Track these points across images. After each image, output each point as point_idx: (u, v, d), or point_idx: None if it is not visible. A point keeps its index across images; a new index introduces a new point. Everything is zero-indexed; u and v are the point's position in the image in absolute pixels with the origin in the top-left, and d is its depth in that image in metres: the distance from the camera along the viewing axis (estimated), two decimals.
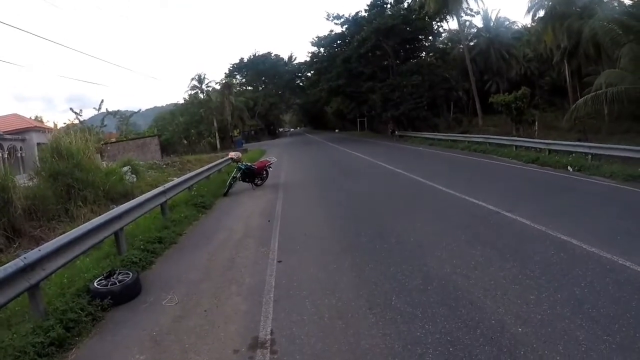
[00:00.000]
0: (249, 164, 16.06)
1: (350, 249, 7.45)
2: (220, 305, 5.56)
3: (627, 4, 22.16)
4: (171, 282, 6.51)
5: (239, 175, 15.21)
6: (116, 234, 7.69)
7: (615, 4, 31.69)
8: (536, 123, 27.97)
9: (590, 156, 15.72)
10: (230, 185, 15.00)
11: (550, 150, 18.39)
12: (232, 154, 17.84)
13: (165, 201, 10.76)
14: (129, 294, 5.96)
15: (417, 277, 5.82)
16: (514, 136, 24.60)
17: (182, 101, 62.42)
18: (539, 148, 19.34)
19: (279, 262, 7.03)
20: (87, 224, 6.87)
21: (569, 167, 15.19)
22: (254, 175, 15.51)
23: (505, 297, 4.98)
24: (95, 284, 5.92)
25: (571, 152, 17.04)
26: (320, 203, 12.38)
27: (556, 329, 4.20)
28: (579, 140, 20.05)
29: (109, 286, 5.87)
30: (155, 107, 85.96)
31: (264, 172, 15.99)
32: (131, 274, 6.26)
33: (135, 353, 4.53)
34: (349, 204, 11.68)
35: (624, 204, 9.94)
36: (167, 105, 74.55)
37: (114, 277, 6.11)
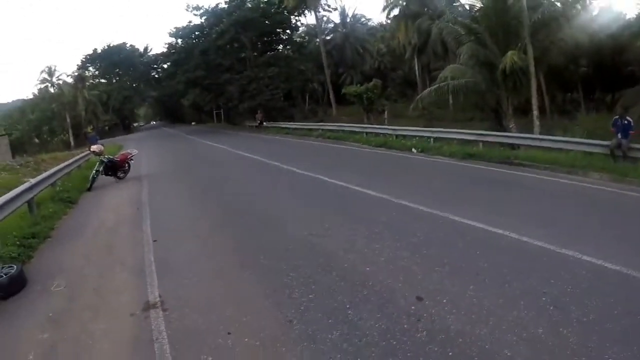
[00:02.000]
0: (111, 157, 15.32)
1: (219, 224, 8.28)
2: (108, 282, 5.87)
3: (472, 10, 25.08)
4: (55, 271, 6.46)
5: (101, 168, 14.49)
6: None
7: (461, 9, 35.41)
8: (386, 112, 30.54)
9: (432, 139, 17.83)
10: (94, 180, 14.19)
11: (397, 135, 20.37)
12: (94, 147, 16.73)
13: (33, 197, 10.16)
14: (16, 286, 5.83)
15: (281, 240, 6.70)
16: (365, 124, 26.36)
17: (31, 96, 56.59)
18: (387, 134, 21.23)
19: (155, 241, 7.33)
20: None
21: (413, 149, 16.94)
22: (117, 169, 14.91)
23: (355, 247, 6.03)
24: None
25: (416, 137, 19.07)
26: (183, 190, 12.62)
27: (397, 266, 5.26)
28: (425, 127, 22.10)
29: None
30: None
31: (126, 165, 15.40)
32: (15, 266, 6.09)
33: (37, 334, 4.62)
34: (210, 189, 12.31)
35: (457, 175, 11.96)
36: (13, 101, 66.29)
37: None
